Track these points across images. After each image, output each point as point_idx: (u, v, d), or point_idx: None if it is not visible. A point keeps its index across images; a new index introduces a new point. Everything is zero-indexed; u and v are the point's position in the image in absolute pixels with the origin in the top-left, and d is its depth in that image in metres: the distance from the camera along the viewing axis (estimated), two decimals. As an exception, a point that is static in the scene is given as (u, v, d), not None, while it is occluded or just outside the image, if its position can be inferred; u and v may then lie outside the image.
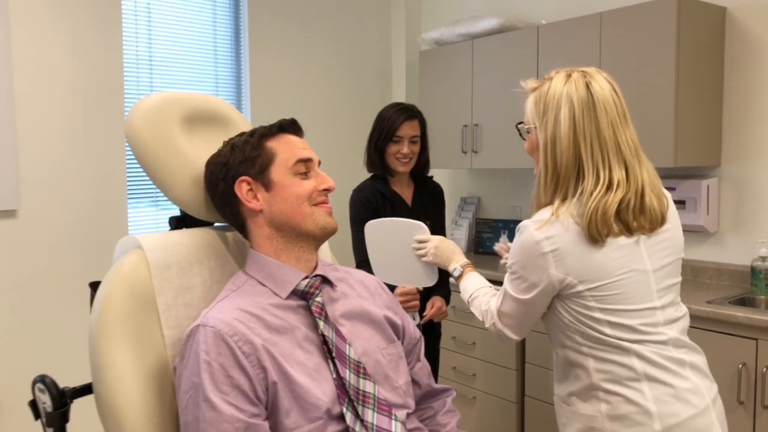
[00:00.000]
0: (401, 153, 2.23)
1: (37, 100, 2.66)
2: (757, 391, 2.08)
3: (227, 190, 1.17)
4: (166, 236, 1.18)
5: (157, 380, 1.10)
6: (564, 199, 1.28)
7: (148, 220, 3.10)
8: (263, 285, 1.15)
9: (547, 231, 1.25)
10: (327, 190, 1.20)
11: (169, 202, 3.10)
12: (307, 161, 1.18)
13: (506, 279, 1.35)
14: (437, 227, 2.36)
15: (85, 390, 1.14)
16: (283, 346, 1.07)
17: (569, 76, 1.31)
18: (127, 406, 1.05)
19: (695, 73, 2.52)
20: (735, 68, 2.60)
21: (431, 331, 2.38)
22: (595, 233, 1.23)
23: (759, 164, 2.56)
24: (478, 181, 3.72)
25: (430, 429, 1.27)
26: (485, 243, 3.57)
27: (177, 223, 1.31)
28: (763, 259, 2.41)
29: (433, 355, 2.34)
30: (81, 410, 1.34)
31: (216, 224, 1.32)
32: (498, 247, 1.71)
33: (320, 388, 1.06)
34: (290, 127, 1.22)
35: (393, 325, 1.26)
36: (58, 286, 2.72)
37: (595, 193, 1.25)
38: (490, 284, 1.52)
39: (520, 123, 1.40)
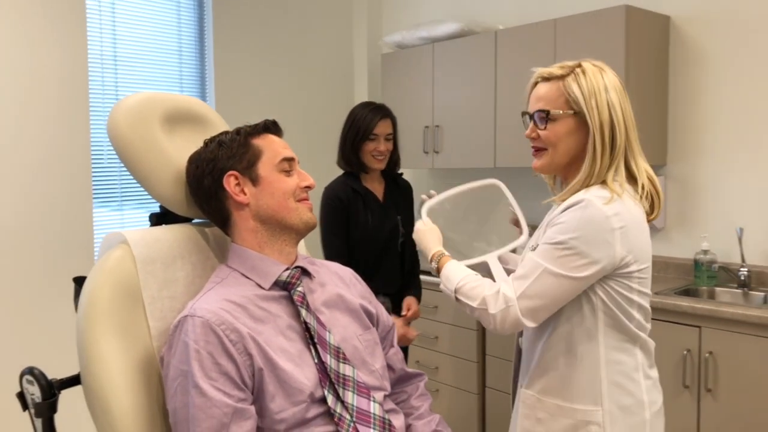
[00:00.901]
0: (378, 150, 2.32)
1: (-3, 99, 2.63)
2: (700, 375, 2.24)
3: (214, 184, 1.22)
4: (149, 232, 1.22)
5: (144, 370, 1.14)
6: (610, 181, 1.29)
7: (114, 220, 3.09)
8: (246, 277, 1.20)
9: (615, 208, 1.24)
10: (308, 188, 1.27)
11: (136, 203, 3.12)
12: (290, 160, 1.26)
13: (545, 256, 1.26)
14: (409, 223, 2.44)
15: (73, 381, 1.17)
16: (267, 334, 1.13)
17: (597, 66, 1.34)
18: (115, 395, 1.09)
19: (643, 78, 2.68)
20: (679, 73, 2.78)
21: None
22: (650, 215, 1.32)
23: (701, 163, 2.73)
24: (439, 181, 3.83)
25: (405, 411, 1.34)
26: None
27: (157, 219, 1.35)
28: (705, 252, 2.59)
29: (403, 347, 2.43)
30: (63, 403, 1.36)
31: (195, 220, 1.37)
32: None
33: (303, 374, 1.13)
34: (273, 127, 1.30)
35: (368, 313, 1.33)
36: (27, 283, 2.69)
37: (645, 177, 1.32)
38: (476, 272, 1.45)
39: (538, 111, 1.34)
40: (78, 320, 1.13)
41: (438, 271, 1.43)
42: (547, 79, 1.36)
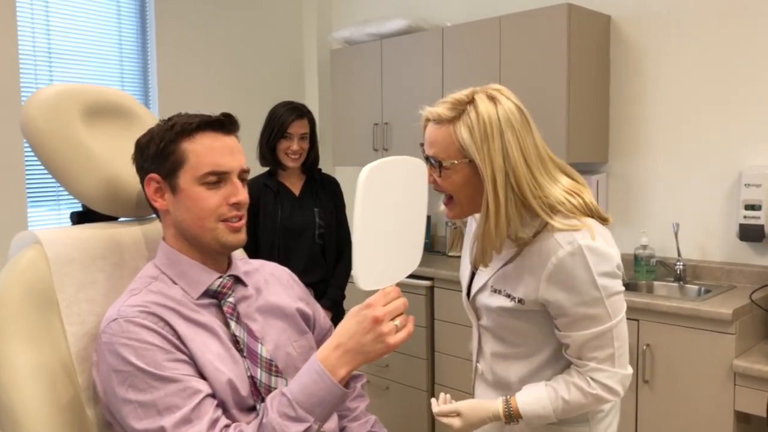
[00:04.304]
0: (291, 149, 2.40)
1: None
2: (638, 367, 2.29)
3: (141, 181, 1.16)
4: (66, 231, 1.17)
5: (58, 378, 1.08)
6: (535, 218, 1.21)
7: (50, 219, 2.97)
8: (175, 283, 1.14)
9: (603, 234, 1.22)
10: (237, 204, 1.13)
11: (75, 202, 3.00)
12: (220, 174, 1.11)
13: (602, 313, 1.19)
14: (331, 217, 2.54)
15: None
16: (201, 337, 1.09)
17: (491, 97, 1.21)
18: (23, 405, 1.03)
19: (584, 76, 2.72)
20: (620, 72, 2.83)
21: (339, 316, 2.47)
22: (605, 221, 1.27)
23: (642, 161, 2.80)
24: (389, 178, 3.81)
25: (340, 414, 1.31)
26: (397, 238, 3.66)
27: (79, 218, 1.29)
28: (644, 247, 2.65)
29: None
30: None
31: (121, 219, 1.31)
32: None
33: (225, 366, 1.09)
34: (215, 125, 1.13)
35: (305, 317, 1.30)
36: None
37: (575, 200, 1.22)
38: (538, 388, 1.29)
39: (431, 157, 1.23)
40: (-15, 325, 1.07)
41: (519, 418, 1.26)
42: (437, 121, 1.23)
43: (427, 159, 1.25)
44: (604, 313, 1.19)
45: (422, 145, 1.28)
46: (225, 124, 1.15)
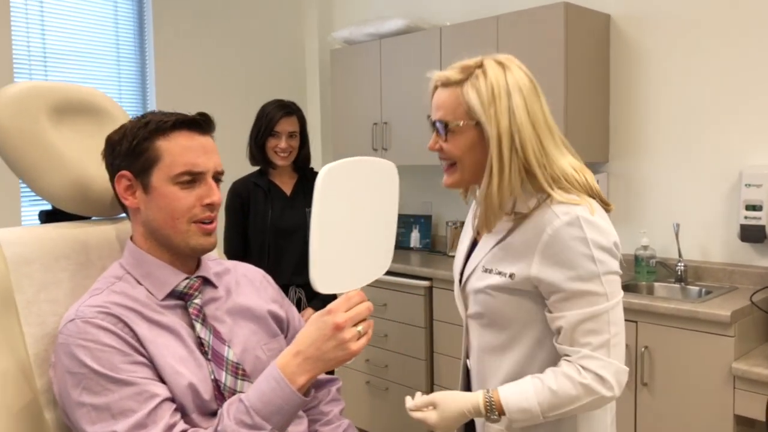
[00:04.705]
0: (279, 147, 2.36)
1: None
2: (637, 369, 2.24)
3: (111, 179, 1.13)
4: (28, 230, 1.15)
5: (13, 379, 1.06)
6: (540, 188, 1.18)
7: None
8: (140, 283, 1.11)
9: (602, 214, 1.17)
10: (210, 205, 1.11)
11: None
12: (194, 174, 1.08)
13: (599, 291, 1.12)
14: None
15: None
16: (163, 340, 1.07)
17: (499, 62, 1.20)
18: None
19: (584, 75, 2.67)
20: (620, 71, 2.77)
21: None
22: (608, 206, 1.23)
23: (643, 160, 2.74)
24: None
25: (313, 418, 1.28)
26: (398, 238, 3.63)
27: (47, 217, 1.28)
28: (645, 248, 2.59)
29: None
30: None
31: (93, 218, 1.29)
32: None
33: (187, 369, 1.06)
34: (191, 124, 1.10)
35: (277, 319, 1.26)
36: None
37: (579, 177, 1.18)
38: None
39: (438, 120, 1.21)
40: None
41: (501, 413, 1.15)
42: (445, 84, 1.22)
43: (433, 125, 1.24)
44: (601, 290, 1.12)
45: (429, 117, 1.27)
46: (201, 123, 1.12)
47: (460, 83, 1.20)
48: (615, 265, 1.16)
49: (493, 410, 1.14)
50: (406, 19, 3.19)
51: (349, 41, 3.50)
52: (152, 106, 3.34)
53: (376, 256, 1.06)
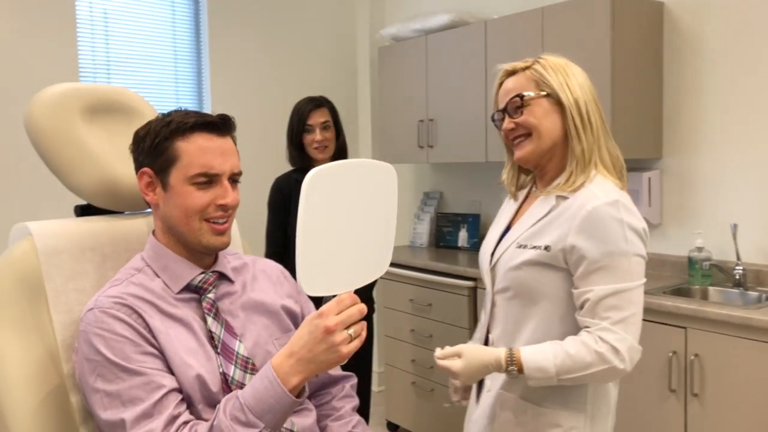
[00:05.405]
0: (315, 140, 2.38)
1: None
2: (687, 378, 2.13)
3: (136, 173, 1.17)
4: (59, 223, 1.21)
5: (42, 363, 1.12)
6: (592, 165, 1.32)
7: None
8: (158, 276, 1.15)
9: (630, 202, 1.29)
10: (224, 206, 1.13)
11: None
12: (211, 176, 1.11)
13: (625, 268, 1.22)
14: None
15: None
16: (176, 331, 1.10)
17: (554, 56, 1.37)
18: (7, 388, 1.07)
19: (634, 67, 2.56)
20: (674, 62, 2.64)
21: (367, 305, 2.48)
22: None
23: (698, 156, 2.60)
24: (440, 176, 3.76)
25: (325, 413, 1.29)
26: (446, 237, 3.60)
27: (81, 211, 1.34)
28: (699, 249, 2.46)
29: (367, 328, 2.47)
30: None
31: (126, 212, 1.35)
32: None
33: (196, 361, 1.09)
34: (210, 126, 1.13)
35: (291, 314, 1.28)
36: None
37: (619, 164, 1.34)
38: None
39: (512, 99, 1.32)
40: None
41: (520, 370, 1.23)
42: (512, 72, 1.36)
43: (503, 112, 1.35)
44: (627, 269, 1.22)
45: (493, 118, 1.41)
46: (220, 125, 1.15)
47: (526, 68, 1.35)
48: (643, 249, 1.25)
49: (513, 365, 1.23)
50: (452, 14, 3.16)
51: (396, 38, 3.50)
52: (207, 108, 3.45)
53: (372, 259, 1.05)
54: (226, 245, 1.17)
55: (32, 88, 2.74)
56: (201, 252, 1.17)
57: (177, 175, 1.12)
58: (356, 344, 0.99)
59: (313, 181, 0.94)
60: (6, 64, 2.74)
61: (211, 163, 1.11)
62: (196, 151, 1.11)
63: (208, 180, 1.12)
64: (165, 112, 1.19)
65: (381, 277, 3.41)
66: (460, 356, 1.27)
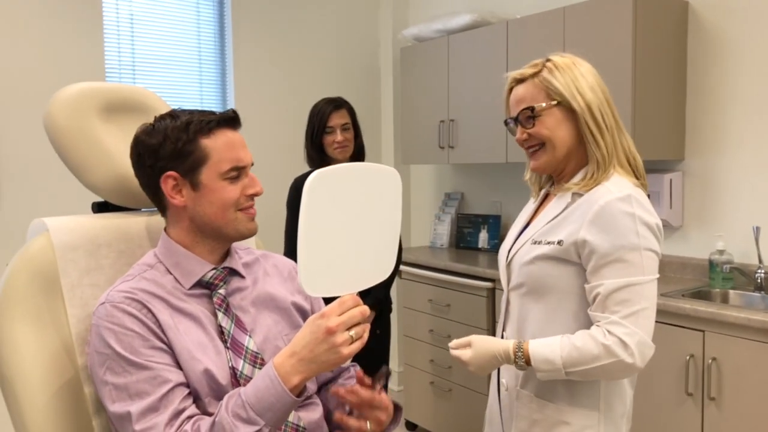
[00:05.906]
0: (336, 142, 2.39)
1: (13, 102, 2.78)
2: (704, 382, 2.10)
3: (153, 179, 1.19)
4: (75, 219, 1.25)
5: (57, 356, 1.16)
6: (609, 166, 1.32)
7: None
8: (169, 272, 1.18)
9: (644, 197, 1.29)
10: (254, 195, 1.20)
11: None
12: (240, 168, 1.17)
13: (636, 262, 1.21)
14: None
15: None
16: (185, 326, 1.13)
17: (564, 56, 1.35)
18: (23, 379, 1.12)
19: (656, 67, 2.52)
20: (698, 62, 2.60)
21: (383, 313, 2.47)
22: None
23: (723, 158, 2.55)
24: (461, 177, 3.76)
25: (330, 394, 1.29)
26: (466, 238, 3.60)
27: (99, 208, 1.39)
28: (720, 252, 2.41)
29: (384, 327, 2.49)
30: None
31: (143, 209, 1.39)
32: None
33: (205, 356, 1.11)
34: (230, 122, 1.18)
35: (301, 311, 1.30)
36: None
37: (635, 163, 1.34)
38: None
39: (522, 111, 1.33)
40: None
41: (528, 362, 1.25)
42: (520, 80, 1.36)
43: (515, 121, 1.36)
44: (638, 263, 1.21)
45: (506, 123, 1.41)
46: (236, 120, 1.20)
47: (534, 75, 1.33)
48: (655, 244, 1.25)
49: (521, 357, 1.25)
50: (474, 14, 3.16)
51: (418, 38, 3.51)
52: (231, 106, 3.50)
53: (375, 261, 1.06)
54: (256, 231, 1.22)
55: (60, 88, 2.85)
56: (235, 240, 1.22)
57: (209, 173, 1.15)
58: (357, 346, 1.00)
59: (315, 182, 0.96)
60: (35, 64, 2.83)
61: (239, 156, 1.17)
62: (223, 147, 1.16)
63: (238, 173, 1.17)
64: (158, 115, 1.21)
65: (400, 278, 3.44)
66: (471, 346, 1.31)
